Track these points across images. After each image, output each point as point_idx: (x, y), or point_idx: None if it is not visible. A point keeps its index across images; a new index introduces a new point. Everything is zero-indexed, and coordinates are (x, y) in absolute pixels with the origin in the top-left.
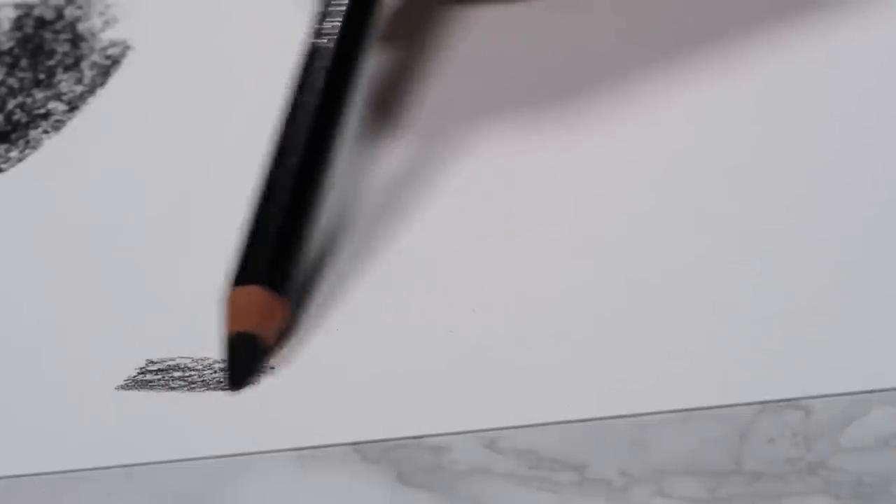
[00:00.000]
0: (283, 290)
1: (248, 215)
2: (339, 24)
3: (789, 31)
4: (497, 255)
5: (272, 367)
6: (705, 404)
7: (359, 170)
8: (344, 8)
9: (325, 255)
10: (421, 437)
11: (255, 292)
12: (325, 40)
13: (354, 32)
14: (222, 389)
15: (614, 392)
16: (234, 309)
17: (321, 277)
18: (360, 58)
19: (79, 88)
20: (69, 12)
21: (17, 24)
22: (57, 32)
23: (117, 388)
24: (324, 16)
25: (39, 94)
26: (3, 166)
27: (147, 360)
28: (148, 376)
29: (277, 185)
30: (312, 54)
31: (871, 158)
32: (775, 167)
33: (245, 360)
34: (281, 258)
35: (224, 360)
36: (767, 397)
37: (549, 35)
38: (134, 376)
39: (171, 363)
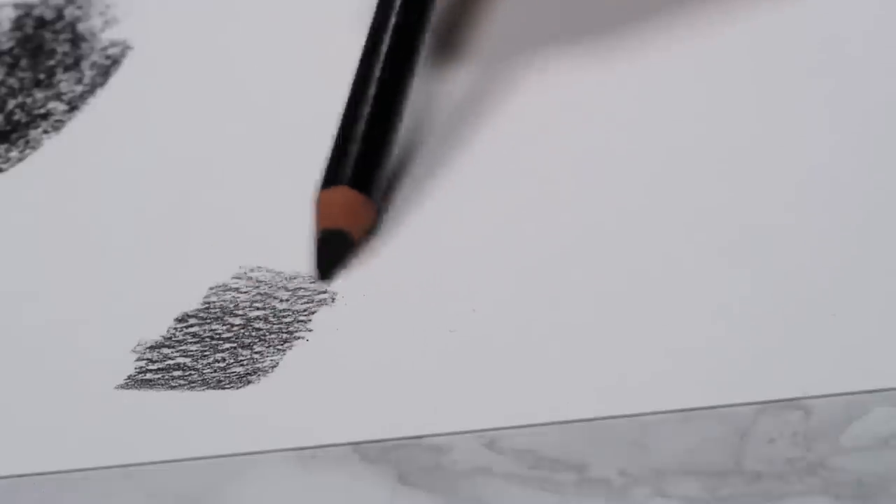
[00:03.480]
0: (369, 191)
1: (337, 124)
2: None
3: (791, 15)
4: (497, 254)
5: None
6: (705, 404)
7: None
8: None
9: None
10: (421, 437)
11: (343, 192)
12: None
13: None
14: (311, 284)
15: (614, 392)
16: (324, 207)
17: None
18: None
19: (79, 88)
20: (69, 12)
21: (17, 24)
22: (57, 32)
23: (117, 388)
24: None
25: (39, 94)
26: (3, 166)
27: (147, 359)
28: (148, 376)
29: (362, 96)
30: None
31: (872, 158)
32: (775, 164)
33: (333, 254)
34: (366, 162)
35: (314, 256)
36: (767, 397)
37: None
38: (134, 376)
39: (171, 363)
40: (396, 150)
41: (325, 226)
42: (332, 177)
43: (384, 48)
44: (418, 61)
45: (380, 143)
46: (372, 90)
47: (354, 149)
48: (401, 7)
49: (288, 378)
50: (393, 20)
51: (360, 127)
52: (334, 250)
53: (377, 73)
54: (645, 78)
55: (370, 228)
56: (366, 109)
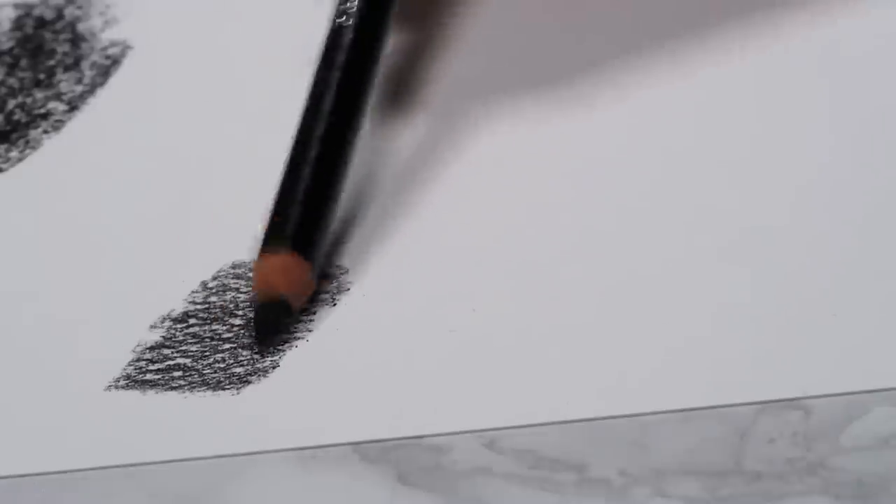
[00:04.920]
0: (309, 255)
1: (278, 185)
2: (358, 2)
3: (790, 18)
4: (497, 254)
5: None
6: (705, 404)
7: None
8: None
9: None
10: (421, 437)
11: (282, 258)
12: (345, 18)
13: (374, 10)
14: (251, 351)
15: (614, 392)
16: (262, 274)
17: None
18: (381, 34)
19: (79, 88)
20: (69, 12)
21: (17, 24)
22: (57, 32)
23: (117, 388)
24: None
25: (39, 94)
26: (3, 166)
27: (147, 359)
28: (148, 376)
29: (304, 156)
30: (335, 32)
31: (872, 157)
32: (775, 165)
33: (272, 323)
34: (307, 225)
35: (252, 324)
36: (767, 397)
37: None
38: (134, 376)
39: (171, 363)
40: (338, 211)
41: (263, 293)
42: (272, 239)
43: (327, 107)
44: (363, 119)
45: (322, 205)
46: (314, 150)
47: (296, 211)
48: (345, 62)
49: (288, 378)
50: (336, 75)
51: (302, 187)
52: (273, 318)
53: (320, 131)
54: (644, 80)
55: (309, 294)
56: (307, 170)
